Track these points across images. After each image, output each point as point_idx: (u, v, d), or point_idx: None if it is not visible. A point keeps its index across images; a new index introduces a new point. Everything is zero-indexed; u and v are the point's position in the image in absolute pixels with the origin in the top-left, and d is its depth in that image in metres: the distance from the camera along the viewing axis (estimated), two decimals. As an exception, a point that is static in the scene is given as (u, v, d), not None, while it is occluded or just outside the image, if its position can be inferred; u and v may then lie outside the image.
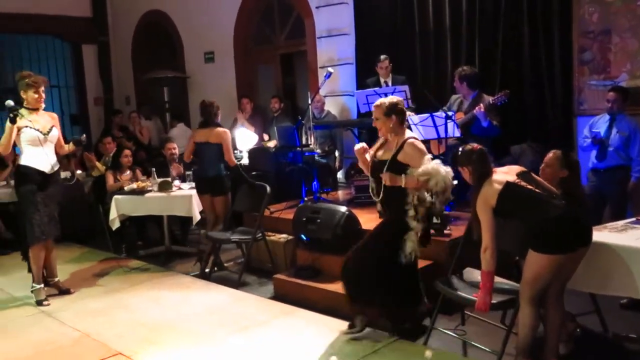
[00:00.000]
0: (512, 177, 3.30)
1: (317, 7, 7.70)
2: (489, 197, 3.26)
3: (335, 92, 7.62)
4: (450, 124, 5.23)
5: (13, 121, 4.62)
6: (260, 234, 5.46)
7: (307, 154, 6.41)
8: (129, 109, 10.45)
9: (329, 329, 4.06)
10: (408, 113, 5.91)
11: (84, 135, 5.32)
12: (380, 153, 3.93)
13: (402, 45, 6.92)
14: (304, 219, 5.14)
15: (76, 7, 10.78)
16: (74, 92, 11.64)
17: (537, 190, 3.23)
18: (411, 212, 3.72)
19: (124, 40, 10.95)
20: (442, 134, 5.31)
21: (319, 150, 6.84)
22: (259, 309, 4.54)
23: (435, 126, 5.33)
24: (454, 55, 6.49)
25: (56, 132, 4.93)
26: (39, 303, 4.82)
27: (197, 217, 6.00)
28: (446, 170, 3.67)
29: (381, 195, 3.87)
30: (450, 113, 5.30)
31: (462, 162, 3.46)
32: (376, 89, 6.26)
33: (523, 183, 3.25)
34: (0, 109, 5.45)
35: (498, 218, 3.29)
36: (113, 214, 6.06)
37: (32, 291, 4.90)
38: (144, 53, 10.79)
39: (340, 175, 7.50)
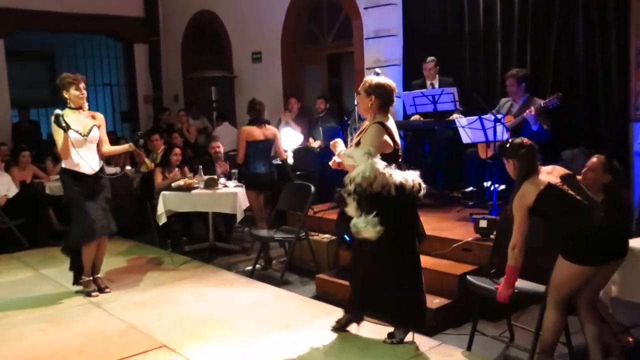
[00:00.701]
0: (554, 179, 3.23)
1: (365, 8, 7.67)
2: (528, 196, 3.21)
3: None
4: (499, 127, 5.14)
5: (63, 128, 4.60)
6: (303, 234, 5.48)
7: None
8: (177, 107, 10.66)
9: (370, 330, 4.03)
10: (456, 115, 5.89)
11: (140, 135, 5.30)
12: (355, 139, 3.77)
13: (451, 47, 6.83)
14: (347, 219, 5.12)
15: (129, 7, 11.07)
16: (125, 90, 11.96)
17: (578, 197, 3.15)
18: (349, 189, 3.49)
19: (174, 39, 11.17)
20: (491, 137, 5.21)
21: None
22: (300, 308, 4.55)
23: (484, 129, 5.24)
24: (504, 57, 6.36)
25: (96, 133, 4.87)
26: (88, 294, 4.95)
27: (241, 214, 6.07)
28: (371, 166, 3.42)
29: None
30: (499, 116, 5.21)
31: (508, 154, 3.40)
32: (424, 90, 6.20)
33: (565, 187, 3.18)
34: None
35: (533, 218, 3.24)
36: (160, 209, 6.18)
37: (80, 282, 5.03)
38: (193, 52, 10.98)
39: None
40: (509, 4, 6.30)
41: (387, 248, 3.61)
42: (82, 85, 4.81)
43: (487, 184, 5.41)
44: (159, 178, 6.75)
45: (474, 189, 5.93)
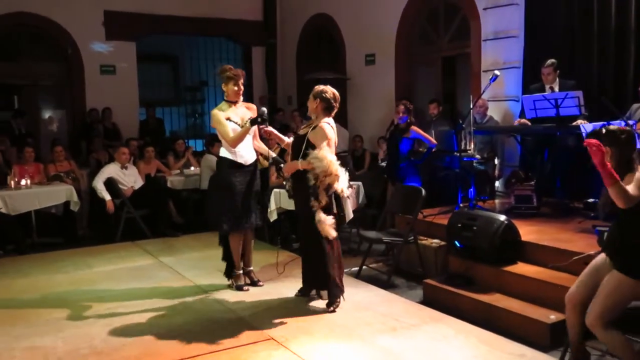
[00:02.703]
0: None
1: (484, 9, 7.43)
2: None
3: (499, 96, 7.30)
4: (630, 134, 4.75)
5: (254, 122, 4.70)
6: (412, 237, 5.39)
7: (465, 159, 6.21)
8: (291, 108, 10.92)
9: (479, 340, 3.89)
10: (580, 121, 5.54)
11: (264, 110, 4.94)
12: (302, 130, 4.54)
13: (578, 48, 6.44)
14: (460, 225, 4.99)
15: (249, 11, 11.51)
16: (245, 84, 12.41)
17: None
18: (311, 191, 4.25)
19: (290, 42, 11.46)
20: (620, 145, 4.83)
21: (478, 156, 6.60)
22: (407, 312, 4.47)
23: (612, 136, 4.87)
24: (637, 59, 5.89)
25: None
26: (239, 288, 4.99)
27: (350, 215, 6.07)
28: (332, 160, 4.23)
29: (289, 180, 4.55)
30: (630, 122, 4.83)
31: (607, 141, 3.11)
32: (545, 94, 5.89)
33: None
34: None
35: None
36: (272, 206, 6.34)
37: (231, 277, 5.06)
38: (308, 55, 11.20)
39: (498, 183, 7.17)
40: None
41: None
42: (241, 81, 4.89)
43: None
44: (273, 176, 6.92)
45: (598, 201, 5.54)
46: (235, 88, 4.85)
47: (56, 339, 4.03)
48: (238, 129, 4.79)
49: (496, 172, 6.99)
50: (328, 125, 4.44)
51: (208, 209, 5.19)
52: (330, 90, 4.52)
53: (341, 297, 4.52)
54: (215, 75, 5.23)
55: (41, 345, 3.94)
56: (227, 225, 4.85)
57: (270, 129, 4.80)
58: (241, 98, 4.96)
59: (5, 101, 9.53)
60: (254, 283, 5.08)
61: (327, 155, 4.27)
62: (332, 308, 4.46)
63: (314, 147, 4.32)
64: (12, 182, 6.98)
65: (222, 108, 4.87)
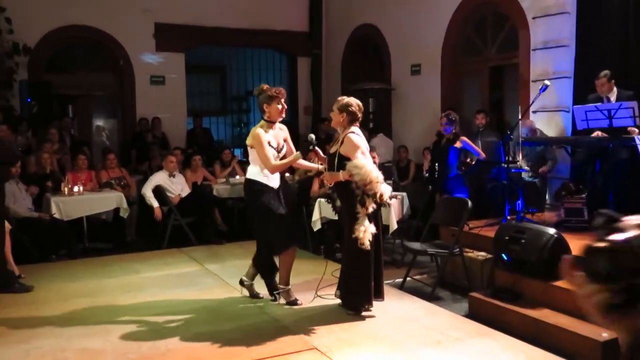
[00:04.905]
0: None
1: (534, 18, 7.30)
2: None
3: (548, 107, 7.14)
4: (688, 147, 4.58)
5: (306, 152, 4.67)
6: (457, 249, 5.31)
7: (512, 170, 6.10)
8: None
9: (527, 356, 3.79)
10: (636, 132, 5.36)
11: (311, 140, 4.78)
12: (331, 147, 4.62)
13: (632, 57, 6.25)
14: (507, 237, 4.89)
15: (296, 23, 11.63)
16: (287, 101, 12.53)
17: None
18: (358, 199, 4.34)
19: (335, 52, 11.51)
20: (677, 158, 4.67)
21: (526, 168, 6.45)
22: (452, 325, 4.40)
23: (669, 148, 4.71)
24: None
25: (285, 147, 4.82)
26: (292, 303, 4.83)
27: (394, 226, 6.05)
28: (371, 167, 4.34)
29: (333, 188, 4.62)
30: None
31: None
32: (598, 104, 5.73)
33: None
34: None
35: None
36: (315, 215, 6.36)
37: (278, 293, 4.89)
38: (353, 65, 11.22)
39: (548, 196, 6.99)
40: None
41: None
42: (283, 99, 4.72)
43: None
44: (315, 186, 6.95)
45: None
46: (279, 107, 4.69)
47: (105, 342, 4.13)
48: (275, 154, 4.67)
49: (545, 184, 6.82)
50: (354, 134, 4.48)
51: (266, 237, 4.87)
52: (354, 103, 4.56)
53: (365, 305, 4.59)
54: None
55: (91, 347, 4.05)
56: (281, 244, 4.72)
57: (317, 150, 4.73)
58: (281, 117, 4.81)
59: (62, 111, 9.88)
60: (292, 302, 4.89)
61: (365, 163, 4.35)
62: (352, 312, 4.57)
63: (348, 159, 4.40)
64: (66, 189, 7.22)
65: (263, 128, 4.68)
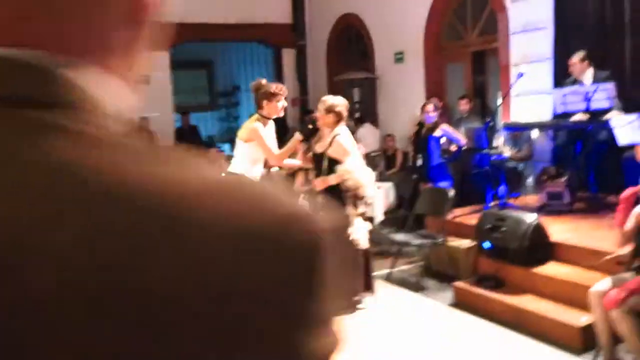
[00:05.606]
0: None
1: (512, 1, 7.29)
2: None
3: (529, 91, 7.15)
4: (662, 127, 4.62)
5: (307, 133, 4.67)
6: (441, 239, 5.36)
7: (495, 157, 6.13)
8: (323, 109, 10.93)
9: (509, 344, 3.85)
10: (612, 114, 5.39)
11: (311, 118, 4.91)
12: (317, 146, 4.64)
13: (609, 39, 6.26)
14: (489, 226, 4.94)
15: (279, 15, 11.57)
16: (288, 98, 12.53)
17: None
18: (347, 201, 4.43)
19: (319, 43, 11.48)
20: (653, 138, 4.70)
21: (507, 154, 6.49)
22: (436, 315, 4.46)
23: (645, 129, 4.74)
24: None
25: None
26: None
27: (379, 217, 6.09)
28: (361, 172, 4.46)
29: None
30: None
31: None
32: (575, 87, 5.76)
33: None
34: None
35: None
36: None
37: None
38: (338, 55, 11.20)
39: (530, 180, 7.03)
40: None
41: None
42: (285, 97, 4.65)
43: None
44: (299, 181, 6.96)
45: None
46: (279, 105, 4.58)
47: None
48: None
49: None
50: (343, 137, 4.54)
51: None
52: (341, 103, 4.60)
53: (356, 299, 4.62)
54: (249, 90, 4.87)
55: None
56: None
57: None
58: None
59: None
60: None
61: (356, 168, 4.48)
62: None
63: (336, 161, 4.46)
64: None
65: (258, 123, 4.58)
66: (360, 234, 4.48)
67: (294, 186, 7.01)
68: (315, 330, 0.41)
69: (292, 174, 7.39)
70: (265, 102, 4.56)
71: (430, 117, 6.72)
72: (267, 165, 7.19)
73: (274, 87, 4.60)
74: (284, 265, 0.40)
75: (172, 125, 11.00)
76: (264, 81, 4.70)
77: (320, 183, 4.59)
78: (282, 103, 4.60)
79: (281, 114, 4.71)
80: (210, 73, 14.22)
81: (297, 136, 4.70)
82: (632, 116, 4.82)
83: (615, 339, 3.45)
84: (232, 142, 11.37)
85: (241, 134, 4.69)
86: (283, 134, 8.78)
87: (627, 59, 6.13)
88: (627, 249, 4.21)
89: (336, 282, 0.42)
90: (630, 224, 3.56)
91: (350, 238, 4.42)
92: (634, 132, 4.83)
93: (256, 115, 4.67)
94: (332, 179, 4.47)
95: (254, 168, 4.69)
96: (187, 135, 10.67)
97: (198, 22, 10.74)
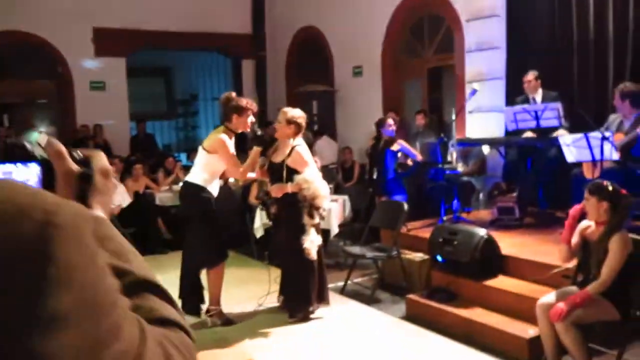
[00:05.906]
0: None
1: (467, 20, 7.49)
2: (628, 245, 3.18)
3: (483, 108, 7.34)
4: (607, 146, 4.80)
5: (263, 145, 4.65)
6: (395, 252, 5.42)
7: (448, 172, 6.26)
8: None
9: (459, 357, 3.91)
10: (560, 132, 5.59)
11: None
12: (274, 156, 4.68)
13: (559, 59, 6.49)
14: (441, 239, 5.02)
15: (239, 25, 11.56)
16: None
17: None
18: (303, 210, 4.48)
19: (279, 55, 11.51)
20: (598, 156, 4.88)
21: (460, 169, 6.63)
22: (388, 329, 4.50)
23: (590, 147, 4.92)
24: (616, 70, 5.95)
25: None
26: (228, 323, 4.68)
27: (334, 230, 6.12)
28: (319, 183, 4.53)
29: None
30: (607, 134, 4.87)
31: (607, 197, 3.39)
32: (525, 106, 5.94)
33: None
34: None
35: None
36: (257, 222, 6.37)
37: (211, 316, 4.69)
38: (297, 67, 11.25)
39: (482, 195, 7.20)
40: (622, 12, 5.90)
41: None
42: (253, 113, 4.62)
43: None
44: (252, 196, 6.93)
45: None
46: (249, 120, 4.56)
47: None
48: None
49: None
50: (302, 147, 4.62)
51: (199, 247, 4.71)
52: (300, 115, 4.67)
53: (310, 310, 4.69)
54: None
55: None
56: (217, 257, 4.63)
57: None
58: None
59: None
60: (228, 322, 4.73)
61: (315, 178, 4.55)
62: (296, 318, 4.67)
63: (295, 171, 4.50)
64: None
65: (226, 136, 4.53)
66: (312, 244, 4.52)
67: (249, 198, 6.99)
68: (50, 329, 0.37)
69: (248, 185, 7.38)
70: (235, 116, 4.53)
71: (389, 132, 6.80)
72: (222, 177, 7.15)
73: (245, 102, 4.60)
74: (11, 252, 0.37)
75: (128, 133, 10.82)
76: (233, 94, 4.69)
77: (278, 190, 4.59)
78: (251, 118, 4.59)
79: (248, 130, 4.69)
80: (168, 81, 14.07)
81: (257, 149, 4.70)
82: (579, 135, 4.99)
83: (561, 350, 3.55)
84: (188, 151, 11.31)
85: (206, 143, 4.64)
86: (242, 145, 8.77)
87: (575, 80, 6.36)
88: (572, 263, 4.35)
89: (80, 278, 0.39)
90: (575, 239, 3.69)
91: (304, 247, 4.47)
92: (581, 150, 5.01)
93: (222, 127, 4.64)
94: (290, 187, 4.50)
95: (213, 179, 4.65)
96: (142, 144, 10.49)
97: (154, 30, 10.63)
